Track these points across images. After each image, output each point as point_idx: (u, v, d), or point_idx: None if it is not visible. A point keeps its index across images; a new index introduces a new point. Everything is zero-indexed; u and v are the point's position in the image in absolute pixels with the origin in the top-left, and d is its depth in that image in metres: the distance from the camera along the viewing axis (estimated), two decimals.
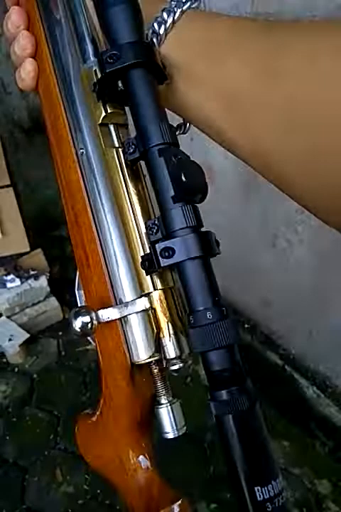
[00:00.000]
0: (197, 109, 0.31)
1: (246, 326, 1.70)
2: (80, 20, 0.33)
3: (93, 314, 0.29)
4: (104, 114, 0.31)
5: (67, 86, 0.32)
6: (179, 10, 0.31)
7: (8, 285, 1.77)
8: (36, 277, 1.83)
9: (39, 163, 2.40)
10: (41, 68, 0.34)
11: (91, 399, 1.55)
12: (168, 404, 0.31)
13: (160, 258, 0.26)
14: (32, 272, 1.84)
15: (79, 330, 0.28)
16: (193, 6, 0.31)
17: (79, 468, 1.34)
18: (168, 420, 0.31)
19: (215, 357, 0.25)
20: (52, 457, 1.40)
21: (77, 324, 0.28)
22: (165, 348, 0.30)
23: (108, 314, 0.30)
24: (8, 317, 1.73)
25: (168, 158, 0.26)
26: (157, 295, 0.30)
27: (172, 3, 0.31)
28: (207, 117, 0.31)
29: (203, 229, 0.27)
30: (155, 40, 0.31)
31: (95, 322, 0.29)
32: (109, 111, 0.31)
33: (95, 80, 0.31)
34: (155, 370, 0.31)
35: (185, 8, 0.31)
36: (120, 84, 0.30)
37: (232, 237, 1.51)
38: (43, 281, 1.83)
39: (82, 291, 0.33)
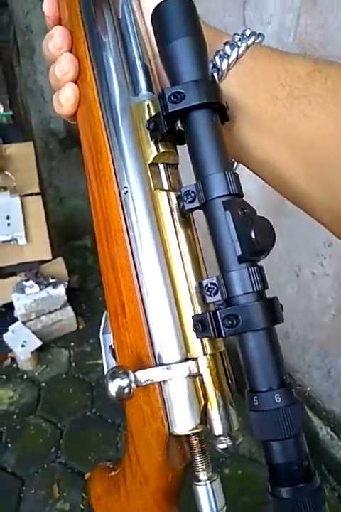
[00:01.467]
0: (263, 158, 0.29)
1: None
2: (132, 47, 0.30)
3: (131, 376, 0.25)
4: (155, 153, 0.28)
5: (113, 118, 0.29)
6: (243, 44, 0.28)
7: (27, 291, 1.79)
8: (55, 285, 1.84)
9: (70, 173, 2.45)
10: (83, 95, 0.31)
11: (95, 415, 1.53)
12: (208, 482, 0.27)
13: (222, 326, 0.23)
14: (51, 280, 1.86)
15: (114, 394, 0.25)
16: (257, 40, 0.29)
17: (77, 486, 1.31)
18: (207, 500, 0.27)
19: (281, 448, 0.22)
20: (51, 470, 1.37)
21: (113, 388, 0.25)
22: (212, 422, 0.26)
23: (148, 376, 0.26)
24: (23, 323, 1.74)
25: (234, 212, 0.23)
26: (206, 360, 0.26)
27: (236, 36, 0.29)
28: (275, 168, 0.28)
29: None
30: (215, 75, 0.28)
31: (133, 386, 0.25)
32: (161, 150, 0.28)
33: (148, 117, 0.28)
34: (195, 442, 0.27)
35: (249, 42, 0.28)
36: (179, 125, 0.27)
37: None
38: (61, 289, 1.84)
39: (110, 336, 0.30)
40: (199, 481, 0.27)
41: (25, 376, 1.67)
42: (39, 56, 2.19)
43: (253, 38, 0.29)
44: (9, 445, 1.44)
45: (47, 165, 2.36)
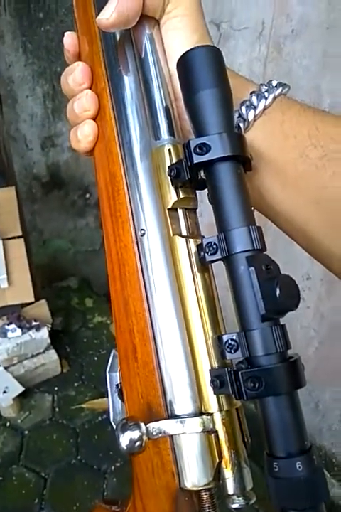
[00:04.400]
0: (286, 212, 0.28)
1: None
2: (154, 88, 0.29)
3: (143, 429, 0.25)
4: (175, 198, 0.27)
5: (133, 159, 0.28)
6: (271, 96, 0.28)
7: (9, 335, 1.76)
8: (38, 328, 1.81)
9: (53, 215, 2.47)
10: (102, 132, 0.30)
11: (81, 462, 1.47)
12: None
13: (243, 388, 0.22)
14: (34, 323, 1.83)
15: (125, 447, 0.24)
16: (284, 91, 0.29)
17: None
18: None
19: None
20: None
21: (124, 441, 0.24)
22: (225, 481, 0.25)
23: (160, 429, 0.25)
24: (5, 368, 1.70)
25: (258, 268, 0.22)
26: (221, 416, 0.25)
27: (263, 87, 0.28)
28: (297, 223, 0.28)
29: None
30: (241, 125, 0.28)
31: (145, 438, 0.25)
32: (181, 196, 0.28)
33: (169, 162, 0.27)
34: (206, 496, 0.26)
35: (277, 93, 0.28)
36: (202, 174, 0.26)
37: None
38: (44, 332, 1.81)
39: (117, 375, 0.29)
40: None
41: (7, 423, 1.61)
42: (21, 105, 2.26)
43: (280, 89, 0.28)
44: None
45: (30, 208, 2.38)
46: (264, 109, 0.28)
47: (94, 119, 0.31)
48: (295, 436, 0.22)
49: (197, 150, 0.25)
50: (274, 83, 0.29)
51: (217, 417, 0.25)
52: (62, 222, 2.54)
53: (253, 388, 0.21)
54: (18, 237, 1.90)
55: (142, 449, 0.24)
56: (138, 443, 0.24)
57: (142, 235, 0.27)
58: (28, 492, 1.39)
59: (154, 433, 0.25)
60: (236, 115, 0.28)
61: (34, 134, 2.33)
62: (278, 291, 0.21)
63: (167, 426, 0.25)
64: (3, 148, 2.05)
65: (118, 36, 0.30)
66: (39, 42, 2.18)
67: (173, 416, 0.25)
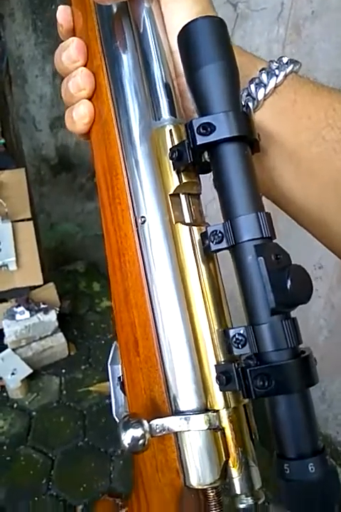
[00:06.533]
0: (301, 200, 0.26)
1: None
2: (154, 65, 0.27)
3: (146, 426, 0.23)
4: (177, 183, 0.26)
5: (132, 141, 0.26)
6: (282, 73, 0.26)
7: (18, 317, 1.77)
8: (46, 311, 1.82)
9: (61, 198, 2.46)
10: (98, 113, 0.28)
11: (88, 444, 1.49)
12: None
13: (252, 386, 0.21)
14: (42, 306, 1.83)
15: (128, 446, 0.23)
16: (295, 68, 0.27)
17: None
18: None
19: None
20: (42, 504, 1.33)
21: (127, 439, 0.23)
22: (233, 480, 0.24)
23: (164, 426, 0.24)
24: (13, 350, 1.71)
25: (267, 258, 0.21)
26: (227, 413, 0.24)
27: (273, 64, 0.26)
28: (315, 214, 0.26)
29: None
30: (250, 104, 0.26)
31: (148, 436, 0.23)
32: (183, 180, 0.26)
33: (170, 144, 0.25)
34: (212, 494, 0.25)
35: (288, 71, 0.26)
36: (206, 156, 0.24)
37: None
38: (52, 315, 1.82)
39: (118, 368, 0.28)
40: None
41: (15, 405, 1.63)
42: (31, 85, 2.23)
43: (291, 66, 0.27)
44: None
45: (38, 190, 2.37)
46: (275, 87, 0.26)
47: (90, 98, 0.29)
48: (308, 436, 0.20)
49: (201, 130, 0.23)
50: (285, 60, 0.27)
51: (224, 414, 0.24)
52: (70, 206, 2.52)
53: (262, 386, 0.20)
54: (28, 219, 1.89)
55: (145, 447, 0.23)
56: (141, 441, 0.23)
57: (142, 223, 0.26)
58: (35, 472, 1.41)
59: (158, 430, 0.24)
60: (244, 94, 0.26)
61: (43, 114, 2.31)
62: (289, 283, 0.20)
63: (171, 423, 0.24)
64: (13, 130, 2.03)
65: (114, 10, 0.28)
66: (49, 20, 2.14)
67: (178, 412, 0.24)
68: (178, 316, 0.25)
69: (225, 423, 0.24)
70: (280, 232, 0.23)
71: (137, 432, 0.23)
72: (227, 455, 0.24)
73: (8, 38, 2.09)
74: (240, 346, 0.22)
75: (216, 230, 0.23)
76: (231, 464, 0.24)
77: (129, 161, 0.26)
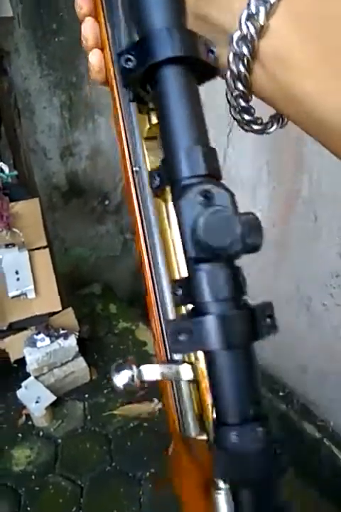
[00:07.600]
0: (318, 115, 0.22)
1: (280, 393, 1.59)
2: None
3: (134, 370, 0.24)
4: (148, 125, 0.25)
5: (123, 91, 0.25)
6: None
7: (38, 344, 1.78)
8: (66, 336, 1.83)
9: (73, 224, 2.50)
10: (106, 61, 0.27)
11: (115, 469, 1.48)
12: (228, 491, 0.23)
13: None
14: (62, 331, 1.85)
15: (122, 387, 0.24)
16: None
17: None
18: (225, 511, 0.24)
19: (247, 496, 0.19)
20: None
21: (119, 381, 0.24)
22: (210, 432, 0.24)
23: (150, 372, 0.25)
24: (36, 377, 1.72)
25: (191, 198, 0.18)
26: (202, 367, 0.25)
27: None
28: (333, 128, 0.22)
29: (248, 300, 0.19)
30: (262, 9, 0.21)
31: (136, 380, 0.24)
32: (153, 122, 0.25)
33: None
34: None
35: None
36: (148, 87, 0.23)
37: (264, 298, 1.46)
38: (72, 340, 1.83)
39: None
40: (219, 489, 0.23)
41: (40, 433, 1.63)
42: (39, 117, 2.28)
43: None
44: (28, 508, 1.39)
45: (51, 217, 2.41)
46: None
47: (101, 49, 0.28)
48: (240, 400, 0.19)
49: (124, 64, 0.21)
50: None
51: (199, 367, 0.25)
52: (83, 230, 2.56)
53: (183, 341, 0.19)
54: (44, 247, 1.92)
55: (134, 389, 0.24)
56: (131, 381, 0.24)
57: (137, 173, 0.27)
58: (65, 501, 1.40)
59: (145, 376, 0.25)
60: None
61: (53, 144, 2.36)
62: (202, 231, 0.17)
63: (155, 370, 0.25)
64: (24, 161, 2.08)
65: None
66: (53, 53, 2.20)
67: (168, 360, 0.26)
68: (160, 260, 0.27)
69: (201, 377, 0.25)
70: (295, 243, 0.23)
71: (128, 373, 0.24)
72: (202, 409, 0.25)
73: (14, 72, 2.16)
74: (181, 299, 0.21)
75: (154, 172, 0.22)
76: (205, 417, 0.25)
77: (123, 113, 0.26)
